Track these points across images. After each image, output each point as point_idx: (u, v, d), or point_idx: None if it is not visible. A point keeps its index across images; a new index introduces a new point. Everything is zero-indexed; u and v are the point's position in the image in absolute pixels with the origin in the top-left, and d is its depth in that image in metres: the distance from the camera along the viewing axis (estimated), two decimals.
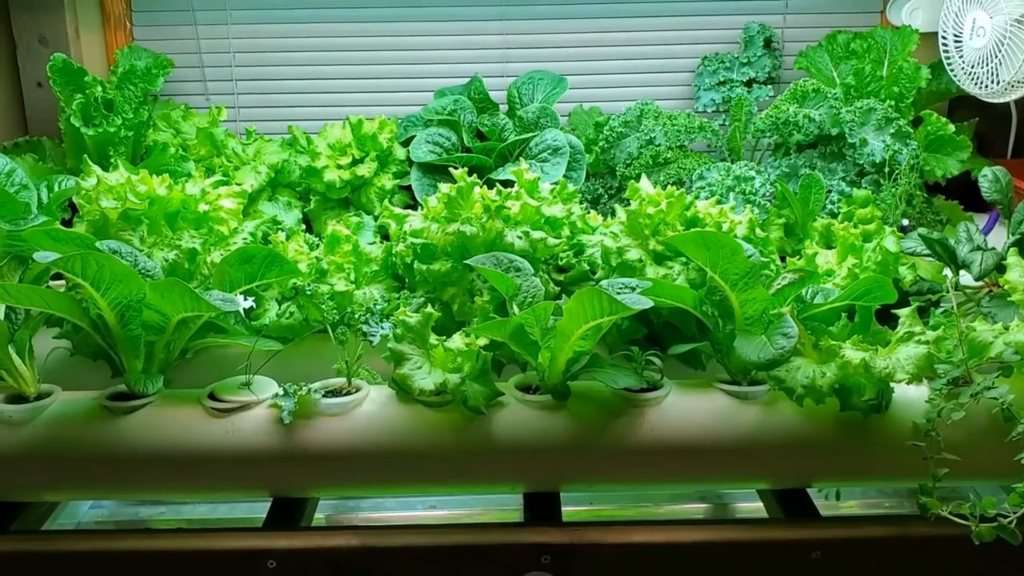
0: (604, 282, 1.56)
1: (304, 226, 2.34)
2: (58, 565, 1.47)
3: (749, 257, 1.53)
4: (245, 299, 1.64)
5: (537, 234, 1.72)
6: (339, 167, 2.36)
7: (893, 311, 1.56)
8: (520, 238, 1.71)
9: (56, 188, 1.90)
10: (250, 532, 1.51)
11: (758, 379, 1.57)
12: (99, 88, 2.31)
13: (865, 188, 2.19)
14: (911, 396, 1.53)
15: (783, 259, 1.98)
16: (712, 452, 1.51)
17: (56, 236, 1.54)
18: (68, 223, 2.05)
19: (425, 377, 1.48)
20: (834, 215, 2.13)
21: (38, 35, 2.49)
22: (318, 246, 1.92)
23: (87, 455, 1.51)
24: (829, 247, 1.98)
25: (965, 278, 1.80)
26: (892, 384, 1.49)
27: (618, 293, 1.47)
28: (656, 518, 1.83)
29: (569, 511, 1.58)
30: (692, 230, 1.66)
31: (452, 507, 1.84)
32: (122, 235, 1.71)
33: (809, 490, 1.60)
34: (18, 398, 1.56)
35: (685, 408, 1.54)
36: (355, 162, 2.39)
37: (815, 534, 1.49)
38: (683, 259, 1.70)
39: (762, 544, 1.48)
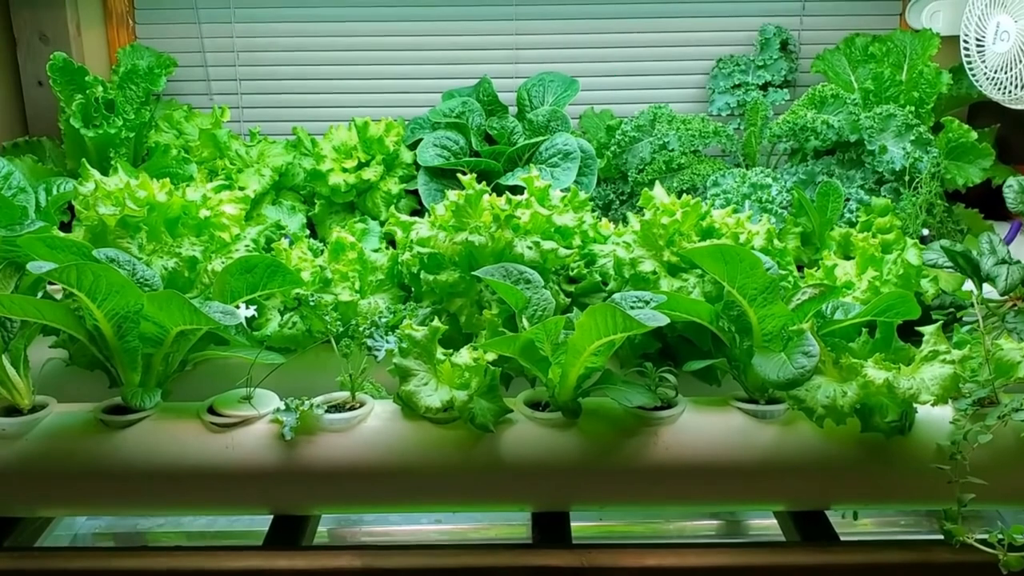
0: (617, 296, 1.51)
1: (308, 231, 2.29)
2: None
3: (768, 271, 1.48)
4: (247, 308, 1.59)
5: (548, 244, 1.67)
6: (344, 170, 2.31)
7: (915, 328, 1.51)
8: (530, 248, 1.66)
9: (55, 191, 1.86)
10: (250, 551, 1.47)
11: (776, 397, 1.52)
12: (100, 88, 2.27)
13: (884, 196, 2.13)
14: (935, 417, 1.48)
15: (800, 269, 1.92)
16: (728, 473, 1.46)
17: (52, 243, 1.49)
18: (67, 226, 2.00)
19: (431, 394, 1.43)
20: (852, 224, 2.08)
21: (39, 32, 2.44)
22: (322, 252, 1.87)
23: (82, 470, 1.46)
24: (847, 257, 1.93)
25: (988, 291, 1.74)
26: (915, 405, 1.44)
27: (631, 308, 1.43)
28: (666, 535, 1.78)
29: (577, 527, 1.54)
30: (709, 242, 1.61)
31: (458, 522, 1.80)
32: (120, 242, 1.66)
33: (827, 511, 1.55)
34: (12, 410, 1.52)
35: (701, 427, 1.49)
36: (361, 165, 2.34)
37: (835, 559, 1.44)
38: (699, 271, 1.65)
39: (779, 569, 1.43)
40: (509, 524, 1.77)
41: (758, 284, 1.47)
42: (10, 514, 1.55)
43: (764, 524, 1.79)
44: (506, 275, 1.57)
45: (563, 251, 1.69)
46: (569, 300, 1.74)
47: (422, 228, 1.75)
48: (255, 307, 1.71)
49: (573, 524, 1.53)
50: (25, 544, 1.55)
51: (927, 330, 1.47)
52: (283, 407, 1.48)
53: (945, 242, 1.80)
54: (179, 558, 1.45)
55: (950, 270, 1.82)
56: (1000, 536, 1.31)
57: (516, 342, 1.46)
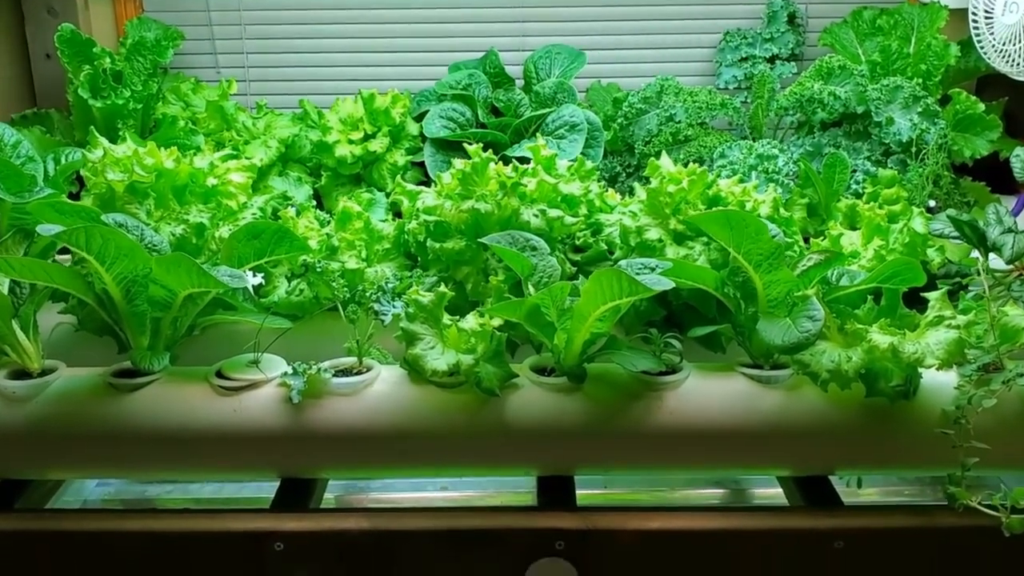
0: (623, 262, 1.52)
1: (315, 202, 2.30)
2: (63, 544, 1.44)
3: (774, 237, 1.48)
4: (254, 275, 1.60)
5: (554, 212, 1.68)
6: (351, 142, 2.31)
7: (921, 294, 1.51)
8: (536, 216, 1.66)
9: (63, 160, 1.87)
10: (258, 513, 1.48)
11: (781, 363, 1.53)
12: (108, 59, 2.27)
13: (891, 168, 2.13)
14: (939, 382, 1.48)
15: (806, 240, 1.93)
16: (733, 438, 1.47)
17: (61, 209, 1.50)
18: (76, 196, 2.01)
19: (438, 358, 1.44)
20: (858, 195, 2.07)
21: (47, 5, 2.44)
22: (329, 222, 1.88)
23: (91, 433, 1.48)
24: (853, 228, 1.93)
25: (994, 261, 1.74)
26: (920, 370, 1.45)
27: (637, 273, 1.43)
28: (671, 503, 1.79)
29: (583, 494, 1.54)
30: (715, 209, 1.62)
31: (464, 488, 1.81)
32: (129, 208, 1.67)
33: (831, 477, 1.56)
34: (22, 374, 1.53)
35: (705, 392, 1.50)
36: (367, 137, 2.34)
37: (838, 523, 1.44)
38: (704, 239, 1.65)
39: (782, 533, 1.44)
40: (515, 491, 1.78)
41: (763, 250, 1.47)
42: (20, 476, 1.56)
43: (770, 493, 1.79)
44: (512, 242, 1.57)
45: (569, 219, 1.69)
46: (575, 269, 1.74)
47: (428, 197, 1.76)
48: (262, 275, 1.72)
49: (578, 492, 1.54)
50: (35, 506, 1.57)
51: (933, 295, 1.48)
52: (291, 371, 1.49)
53: (951, 212, 1.80)
54: (188, 520, 1.47)
55: (956, 240, 1.81)
56: (1003, 499, 1.32)
57: (522, 307, 1.47)
